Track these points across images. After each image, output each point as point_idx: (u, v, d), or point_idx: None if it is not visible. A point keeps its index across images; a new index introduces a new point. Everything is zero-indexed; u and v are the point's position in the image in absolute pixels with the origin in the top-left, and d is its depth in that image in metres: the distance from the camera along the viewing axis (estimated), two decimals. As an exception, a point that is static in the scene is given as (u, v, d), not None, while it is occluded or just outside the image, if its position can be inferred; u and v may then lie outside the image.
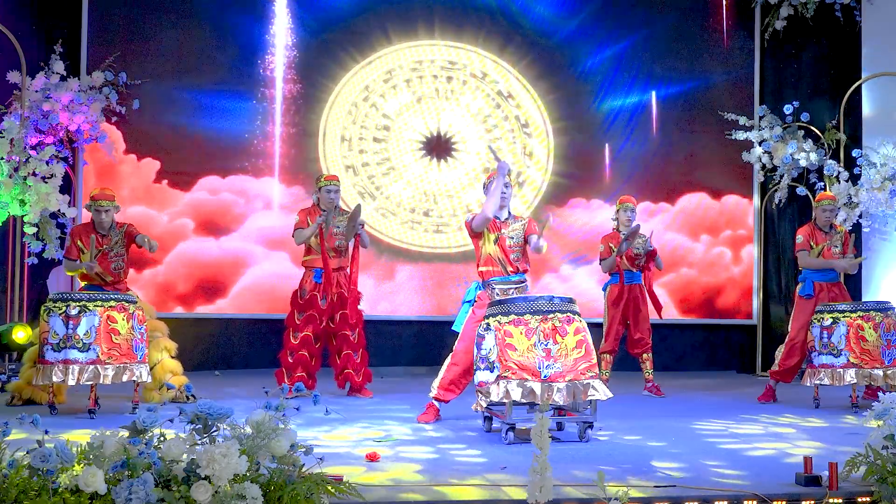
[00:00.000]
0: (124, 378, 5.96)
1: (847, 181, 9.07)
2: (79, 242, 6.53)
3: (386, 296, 9.45)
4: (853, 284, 8.86)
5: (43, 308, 6.03)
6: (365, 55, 9.54)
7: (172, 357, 6.80)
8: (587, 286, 9.50)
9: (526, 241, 5.79)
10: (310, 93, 9.44)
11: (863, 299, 8.86)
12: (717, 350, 10.07)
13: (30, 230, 7.52)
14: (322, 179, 7.30)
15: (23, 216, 7.54)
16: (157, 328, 6.84)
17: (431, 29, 9.68)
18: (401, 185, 9.57)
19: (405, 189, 9.58)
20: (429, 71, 9.69)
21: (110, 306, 5.95)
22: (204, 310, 9.09)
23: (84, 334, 5.83)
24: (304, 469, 3.36)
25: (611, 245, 7.75)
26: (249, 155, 9.27)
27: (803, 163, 9.33)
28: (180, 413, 3.30)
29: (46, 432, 3.22)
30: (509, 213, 5.88)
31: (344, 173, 9.36)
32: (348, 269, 7.19)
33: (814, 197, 8.79)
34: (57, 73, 8.21)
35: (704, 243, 9.95)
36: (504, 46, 9.74)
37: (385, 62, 9.60)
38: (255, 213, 9.25)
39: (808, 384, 6.91)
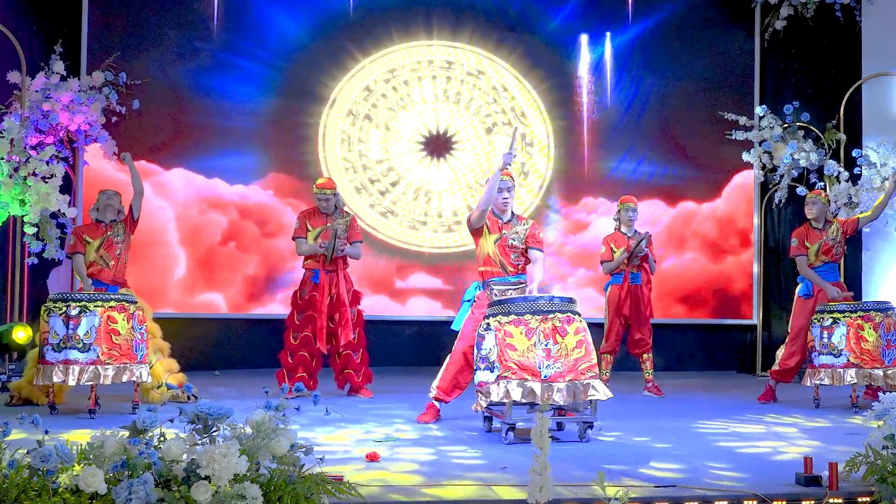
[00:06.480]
0: (124, 378, 5.97)
1: (847, 181, 9.06)
2: (84, 237, 6.62)
3: (386, 295, 9.45)
4: (853, 284, 8.85)
5: (43, 308, 6.03)
6: (368, 54, 9.56)
7: (166, 357, 6.81)
8: (587, 286, 9.50)
9: (527, 245, 5.78)
10: (311, 91, 9.44)
11: (863, 299, 8.86)
12: (717, 350, 10.06)
13: (30, 230, 7.51)
14: (315, 187, 7.26)
15: (23, 216, 7.53)
16: (150, 330, 6.82)
17: (430, 29, 9.70)
18: (401, 186, 9.57)
19: (405, 189, 9.57)
20: (428, 72, 9.69)
21: (110, 306, 5.95)
22: (204, 310, 9.09)
23: (84, 334, 5.83)
24: (304, 469, 3.36)
25: (612, 246, 7.73)
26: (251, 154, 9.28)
27: (803, 163, 9.33)
28: (180, 413, 3.30)
29: (46, 432, 3.22)
30: (512, 213, 5.87)
31: (343, 174, 9.37)
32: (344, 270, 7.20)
33: (814, 197, 8.79)
34: (57, 73, 8.20)
35: (704, 243, 9.94)
36: (500, 43, 9.74)
37: (387, 62, 9.61)
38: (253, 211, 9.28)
39: (808, 384, 6.90)
